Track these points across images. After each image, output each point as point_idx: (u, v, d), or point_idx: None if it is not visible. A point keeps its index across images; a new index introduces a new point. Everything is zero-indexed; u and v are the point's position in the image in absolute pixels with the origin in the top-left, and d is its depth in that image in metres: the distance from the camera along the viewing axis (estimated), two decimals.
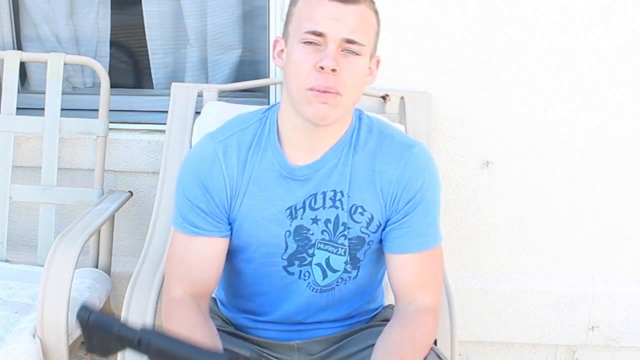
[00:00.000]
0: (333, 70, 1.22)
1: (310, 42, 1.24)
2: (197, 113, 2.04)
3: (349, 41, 1.24)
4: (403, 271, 1.37)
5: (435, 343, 1.45)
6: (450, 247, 2.25)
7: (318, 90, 1.23)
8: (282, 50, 1.32)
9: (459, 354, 2.16)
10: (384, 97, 2.08)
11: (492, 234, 2.25)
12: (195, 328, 1.30)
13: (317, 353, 1.48)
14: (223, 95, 2.13)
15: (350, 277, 1.41)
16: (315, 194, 1.35)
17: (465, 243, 2.26)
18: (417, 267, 1.37)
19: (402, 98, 2.08)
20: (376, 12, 1.31)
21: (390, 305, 1.55)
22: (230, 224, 1.38)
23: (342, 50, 1.24)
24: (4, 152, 2.09)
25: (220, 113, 1.96)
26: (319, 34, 1.23)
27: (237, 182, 1.35)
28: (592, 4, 2.03)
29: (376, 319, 1.53)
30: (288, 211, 1.35)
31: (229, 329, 1.49)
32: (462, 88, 2.11)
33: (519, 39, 2.06)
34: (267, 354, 1.47)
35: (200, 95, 2.08)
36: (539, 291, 2.28)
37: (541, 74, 2.09)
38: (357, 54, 1.25)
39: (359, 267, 1.41)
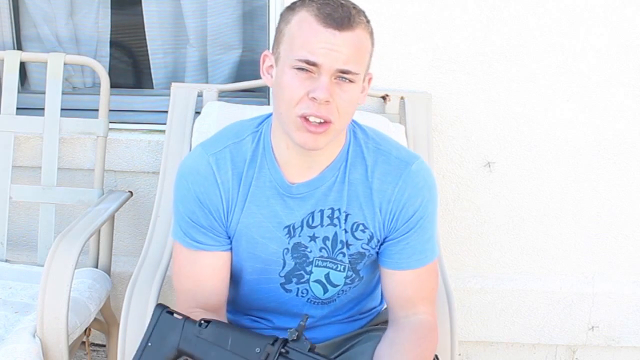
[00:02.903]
0: (326, 101, 1.19)
1: (302, 69, 1.19)
2: (197, 113, 2.04)
3: (344, 71, 1.19)
4: (401, 287, 1.37)
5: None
6: (450, 247, 2.25)
7: (308, 120, 1.20)
8: (270, 66, 1.28)
9: (459, 354, 2.16)
10: (384, 97, 2.08)
11: (492, 234, 2.25)
12: None
13: None
14: (223, 96, 2.13)
15: (350, 287, 1.42)
16: (313, 212, 1.33)
17: (465, 243, 2.26)
18: (414, 283, 1.36)
19: (402, 98, 2.08)
20: (371, 33, 1.25)
21: None
22: (229, 238, 1.36)
23: (335, 79, 1.20)
24: (4, 152, 2.08)
25: (220, 113, 1.96)
26: (313, 64, 1.18)
27: (232, 197, 1.33)
28: (592, 4, 2.03)
29: (377, 320, 1.53)
30: (286, 229, 1.34)
31: None
32: (462, 88, 2.11)
33: (519, 39, 2.06)
34: None
35: (200, 95, 2.08)
36: (539, 291, 2.28)
37: (541, 74, 2.09)
38: (351, 81, 1.21)
39: (359, 276, 1.41)
